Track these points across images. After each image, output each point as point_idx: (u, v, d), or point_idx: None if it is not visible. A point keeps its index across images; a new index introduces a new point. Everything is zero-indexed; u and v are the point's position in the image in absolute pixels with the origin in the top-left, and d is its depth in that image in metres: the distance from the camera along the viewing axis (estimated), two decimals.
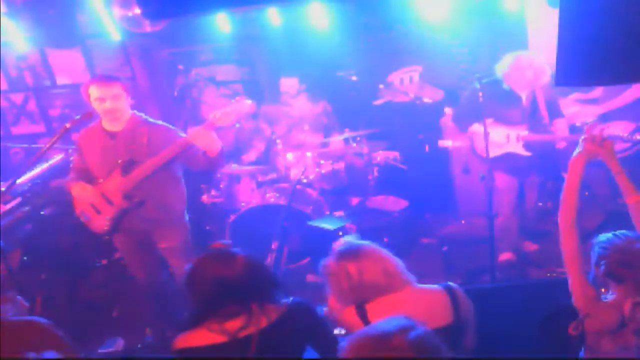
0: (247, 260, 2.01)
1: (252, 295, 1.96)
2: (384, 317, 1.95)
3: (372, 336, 1.37)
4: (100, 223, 3.30)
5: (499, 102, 3.96)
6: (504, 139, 3.99)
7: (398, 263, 2.10)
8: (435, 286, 2.13)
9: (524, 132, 3.94)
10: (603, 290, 2.06)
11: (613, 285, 1.98)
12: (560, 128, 4.02)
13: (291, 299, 2.06)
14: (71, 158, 3.94)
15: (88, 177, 3.31)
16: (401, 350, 1.32)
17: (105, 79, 3.21)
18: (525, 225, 4.30)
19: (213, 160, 3.19)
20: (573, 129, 4.24)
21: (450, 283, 2.14)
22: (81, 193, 3.26)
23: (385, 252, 2.10)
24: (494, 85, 3.95)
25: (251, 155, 5.11)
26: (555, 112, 4.04)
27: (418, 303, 2.02)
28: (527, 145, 3.94)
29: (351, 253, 2.07)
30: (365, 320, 2.01)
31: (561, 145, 4.00)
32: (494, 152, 3.97)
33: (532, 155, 3.96)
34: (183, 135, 3.33)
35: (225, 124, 3.16)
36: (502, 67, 3.93)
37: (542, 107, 3.97)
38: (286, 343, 1.95)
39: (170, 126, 3.38)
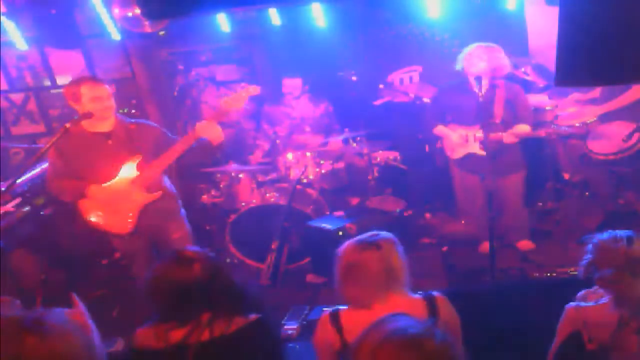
0: (207, 268, 1.94)
1: (205, 304, 1.90)
2: (357, 325, 1.96)
3: (402, 339, 1.31)
4: (122, 222, 3.29)
5: (457, 103, 4.01)
6: (463, 139, 4.05)
7: (405, 266, 2.08)
8: (417, 294, 2.10)
9: (479, 133, 3.92)
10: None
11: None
12: (517, 130, 3.94)
13: (255, 317, 1.96)
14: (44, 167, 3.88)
15: (82, 179, 3.29)
16: (432, 355, 1.29)
17: (98, 79, 3.29)
18: (511, 225, 4.29)
19: (216, 148, 3.30)
20: (565, 129, 4.23)
21: (434, 292, 2.11)
22: (99, 194, 3.24)
23: (399, 251, 2.09)
24: (456, 87, 4.04)
25: (258, 155, 5.10)
26: (517, 113, 3.98)
27: (391, 311, 2.01)
28: (483, 145, 3.87)
29: (364, 243, 2.07)
30: (338, 328, 2.02)
31: (509, 140, 3.91)
32: (458, 154, 4.11)
33: (489, 154, 3.85)
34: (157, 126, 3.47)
35: (235, 108, 3.24)
36: (462, 54, 3.97)
37: (498, 105, 3.94)
38: None
39: (147, 121, 3.53)
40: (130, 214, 3.28)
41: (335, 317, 2.06)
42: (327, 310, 2.13)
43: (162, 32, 4.51)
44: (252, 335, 1.93)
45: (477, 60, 3.87)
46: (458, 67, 3.99)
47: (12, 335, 1.33)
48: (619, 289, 1.91)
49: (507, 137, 3.93)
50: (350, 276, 2.04)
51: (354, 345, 1.40)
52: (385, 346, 1.32)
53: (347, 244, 2.11)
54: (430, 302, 2.06)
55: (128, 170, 3.25)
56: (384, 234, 2.13)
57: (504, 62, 3.91)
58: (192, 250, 2.01)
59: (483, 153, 3.86)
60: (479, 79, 3.68)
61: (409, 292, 2.09)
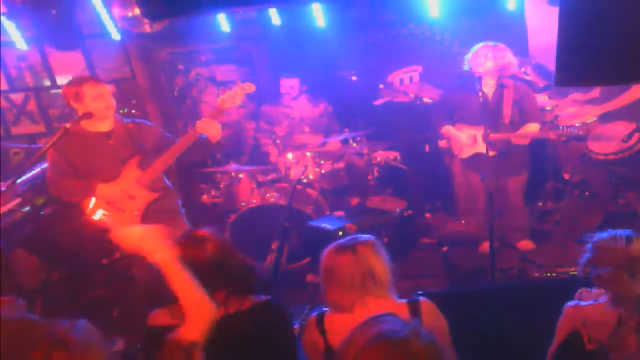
0: (220, 247, 2.00)
1: (218, 282, 1.94)
2: (340, 328, 1.92)
3: (386, 342, 1.31)
4: (129, 220, 3.28)
5: (465, 103, 4.02)
6: (472, 139, 4.05)
7: (386, 269, 2.06)
8: (401, 299, 2.08)
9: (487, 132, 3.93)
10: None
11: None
12: (526, 130, 3.95)
13: (266, 297, 2.02)
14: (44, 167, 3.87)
15: (86, 179, 3.30)
16: (417, 356, 1.29)
17: (98, 78, 3.33)
18: (512, 225, 4.29)
19: (214, 145, 3.32)
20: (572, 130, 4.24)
21: (421, 297, 2.08)
22: (105, 192, 3.25)
23: (378, 254, 2.07)
24: (463, 87, 4.04)
25: (274, 156, 5.07)
26: (526, 112, 4.00)
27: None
28: (491, 145, 3.91)
29: (341, 246, 2.06)
30: (322, 330, 2.03)
31: (520, 141, 3.92)
32: (466, 153, 4.13)
33: (498, 154, 3.94)
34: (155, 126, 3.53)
35: (232, 106, 3.26)
36: (469, 54, 3.98)
37: (507, 105, 3.96)
38: (240, 339, 1.91)
39: (145, 121, 3.56)
40: (136, 213, 3.29)
41: (320, 319, 2.07)
42: (315, 312, 2.14)
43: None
44: (266, 314, 1.98)
45: (483, 59, 3.87)
46: (465, 67, 3.98)
47: (40, 351, 1.35)
48: (617, 288, 1.91)
49: (518, 138, 3.91)
50: (329, 280, 2.04)
51: (339, 348, 1.40)
52: (370, 349, 1.32)
53: (327, 248, 2.11)
54: (414, 307, 2.03)
55: (131, 169, 3.26)
56: (364, 236, 2.12)
57: (511, 61, 3.91)
58: (204, 230, 2.07)
59: (492, 152, 3.88)
60: (479, 79, 3.69)
61: (394, 296, 2.07)
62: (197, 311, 1.75)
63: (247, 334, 1.93)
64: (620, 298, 1.90)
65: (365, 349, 1.32)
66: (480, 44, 3.93)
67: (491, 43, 3.91)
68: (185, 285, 1.77)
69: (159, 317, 1.97)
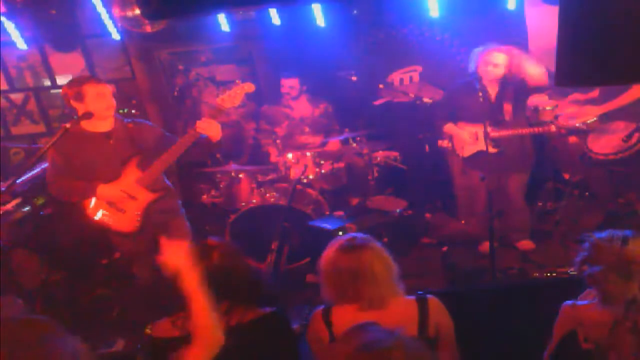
0: (226, 256, 1.99)
1: (222, 293, 1.92)
2: (346, 322, 1.90)
3: (370, 352, 1.32)
4: (130, 221, 3.29)
5: (468, 102, 4.01)
6: (474, 137, 4.06)
7: (392, 268, 2.08)
8: (409, 296, 2.10)
9: (488, 129, 3.94)
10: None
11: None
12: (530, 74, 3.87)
13: (271, 310, 2.00)
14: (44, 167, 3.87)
15: (86, 180, 3.31)
16: None
17: (99, 78, 3.33)
18: (514, 224, 4.30)
19: (215, 145, 3.30)
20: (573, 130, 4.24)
21: (428, 294, 2.10)
22: (106, 193, 3.25)
23: (384, 254, 2.09)
24: (466, 86, 4.02)
25: (274, 156, 5.07)
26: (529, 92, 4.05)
27: (384, 313, 1.99)
28: (494, 142, 3.94)
29: (347, 246, 2.07)
30: (328, 323, 2.03)
31: (533, 82, 3.88)
32: (467, 152, 4.14)
33: (500, 152, 3.96)
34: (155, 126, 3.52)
35: (232, 106, 3.25)
36: (474, 56, 3.96)
37: (507, 103, 3.97)
38: (243, 351, 1.89)
39: (145, 121, 3.54)
40: (137, 213, 3.29)
41: (326, 312, 2.08)
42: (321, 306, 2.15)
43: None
44: (268, 327, 1.97)
45: (492, 67, 3.88)
46: (471, 66, 3.98)
47: None
48: (607, 288, 1.91)
49: (531, 79, 3.84)
50: (357, 281, 2.01)
51: (325, 355, 1.41)
52: (350, 357, 1.33)
53: (333, 252, 2.09)
54: (422, 304, 2.05)
55: (131, 170, 3.27)
56: (360, 234, 2.13)
57: (521, 63, 3.89)
58: (213, 239, 2.05)
59: (493, 150, 3.90)
60: (480, 77, 3.70)
61: (402, 292, 2.10)
62: (207, 339, 1.76)
63: (246, 347, 1.90)
64: (610, 298, 1.90)
65: (347, 356, 1.33)
66: (491, 45, 3.91)
67: (502, 47, 3.88)
68: (203, 312, 1.78)
69: (161, 329, 1.97)
